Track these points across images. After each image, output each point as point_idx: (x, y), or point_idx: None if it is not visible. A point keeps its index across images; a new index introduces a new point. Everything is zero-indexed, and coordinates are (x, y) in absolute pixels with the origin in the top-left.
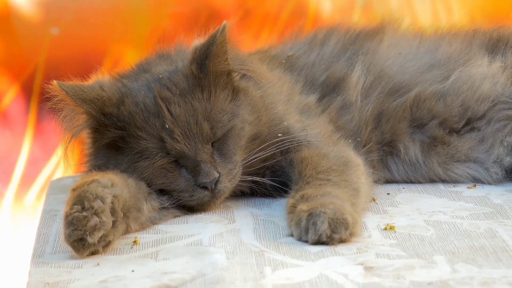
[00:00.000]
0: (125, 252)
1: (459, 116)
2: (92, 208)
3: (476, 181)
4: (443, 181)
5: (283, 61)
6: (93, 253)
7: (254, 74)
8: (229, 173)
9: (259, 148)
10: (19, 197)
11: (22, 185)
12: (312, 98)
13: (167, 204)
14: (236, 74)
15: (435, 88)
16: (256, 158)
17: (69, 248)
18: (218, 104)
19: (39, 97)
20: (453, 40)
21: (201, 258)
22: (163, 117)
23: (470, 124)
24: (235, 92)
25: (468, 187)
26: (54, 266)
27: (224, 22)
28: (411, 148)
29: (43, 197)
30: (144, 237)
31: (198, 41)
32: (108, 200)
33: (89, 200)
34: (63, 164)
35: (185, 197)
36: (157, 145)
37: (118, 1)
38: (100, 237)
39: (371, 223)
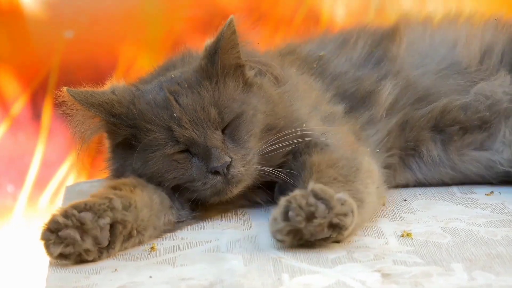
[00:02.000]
0: (142, 258)
1: (479, 126)
2: (73, 216)
3: (490, 168)
4: (460, 172)
5: (314, 65)
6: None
7: (270, 70)
8: (242, 159)
9: (277, 139)
10: (33, 199)
11: (35, 187)
12: (340, 108)
13: (184, 219)
14: (248, 68)
15: (460, 102)
16: (273, 149)
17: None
18: (227, 92)
19: (53, 101)
20: (473, 37)
21: (219, 265)
22: (171, 108)
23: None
24: (248, 84)
25: (486, 194)
26: (72, 272)
27: (231, 16)
28: (434, 149)
29: (57, 201)
30: (162, 243)
31: (209, 40)
32: (102, 221)
33: (77, 209)
34: (76, 169)
35: (198, 186)
36: (166, 135)
37: (132, 5)
38: (62, 253)
39: (388, 230)
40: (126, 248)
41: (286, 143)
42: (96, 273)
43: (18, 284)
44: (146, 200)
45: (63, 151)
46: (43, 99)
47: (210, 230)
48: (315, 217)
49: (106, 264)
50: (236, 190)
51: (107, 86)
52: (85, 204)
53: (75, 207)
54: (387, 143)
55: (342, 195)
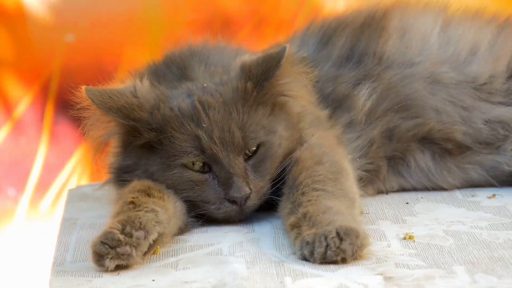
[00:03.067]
0: (145, 262)
1: (481, 146)
2: (131, 236)
3: (494, 169)
4: (457, 178)
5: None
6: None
7: (300, 96)
8: (259, 191)
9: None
10: (34, 203)
11: (37, 191)
12: (324, 113)
13: (190, 226)
14: (295, 92)
15: (457, 122)
16: (282, 172)
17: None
18: (257, 118)
19: (54, 104)
20: (501, 44)
21: (221, 268)
22: (198, 118)
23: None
24: (273, 107)
25: (488, 197)
26: (75, 275)
27: (286, 46)
28: (421, 160)
29: (60, 205)
30: (164, 246)
31: (247, 56)
32: (152, 237)
33: (133, 227)
34: (80, 166)
35: (211, 209)
36: (192, 143)
37: (133, 8)
38: (119, 265)
39: (390, 232)
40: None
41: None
42: (99, 276)
43: (19, 287)
44: (173, 209)
45: (65, 155)
46: (45, 102)
47: (212, 233)
48: (345, 259)
49: None
50: (245, 218)
51: (128, 83)
52: (140, 223)
53: (131, 224)
54: (368, 151)
55: (364, 231)
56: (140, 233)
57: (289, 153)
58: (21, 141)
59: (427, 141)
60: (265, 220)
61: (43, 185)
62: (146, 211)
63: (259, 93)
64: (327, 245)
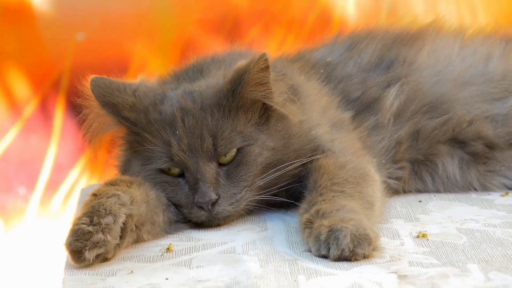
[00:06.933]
0: (158, 260)
1: (510, 139)
2: (100, 224)
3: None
4: (477, 190)
5: (321, 70)
6: (89, 265)
7: (278, 103)
8: (231, 197)
9: (284, 167)
10: (45, 202)
11: (47, 190)
12: (347, 115)
13: (183, 218)
14: (278, 94)
15: (488, 113)
16: (277, 178)
17: (67, 254)
18: (234, 124)
19: (64, 103)
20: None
21: (235, 266)
22: (175, 124)
23: None
24: (265, 117)
25: (502, 195)
26: (88, 274)
27: (263, 52)
28: (450, 165)
29: (71, 203)
30: (177, 244)
31: (241, 62)
32: (121, 220)
33: (100, 216)
34: (90, 166)
35: (184, 213)
36: (164, 149)
37: (144, 7)
38: (99, 254)
39: (403, 231)
40: (127, 244)
41: (295, 165)
42: (113, 275)
43: (30, 287)
44: (144, 196)
45: (75, 154)
46: (55, 101)
47: (226, 232)
48: (357, 260)
49: (122, 265)
50: (224, 223)
51: (137, 80)
52: (105, 209)
53: (97, 213)
54: (396, 154)
55: (376, 233)
56: (108, 219)
57: (278, 163)
58: (31, 140)
59: (457, 142)
60: (278, 218)
61: (53, 184)
62: (108, 197)
63: (235, 98)
64: (342, 249)
